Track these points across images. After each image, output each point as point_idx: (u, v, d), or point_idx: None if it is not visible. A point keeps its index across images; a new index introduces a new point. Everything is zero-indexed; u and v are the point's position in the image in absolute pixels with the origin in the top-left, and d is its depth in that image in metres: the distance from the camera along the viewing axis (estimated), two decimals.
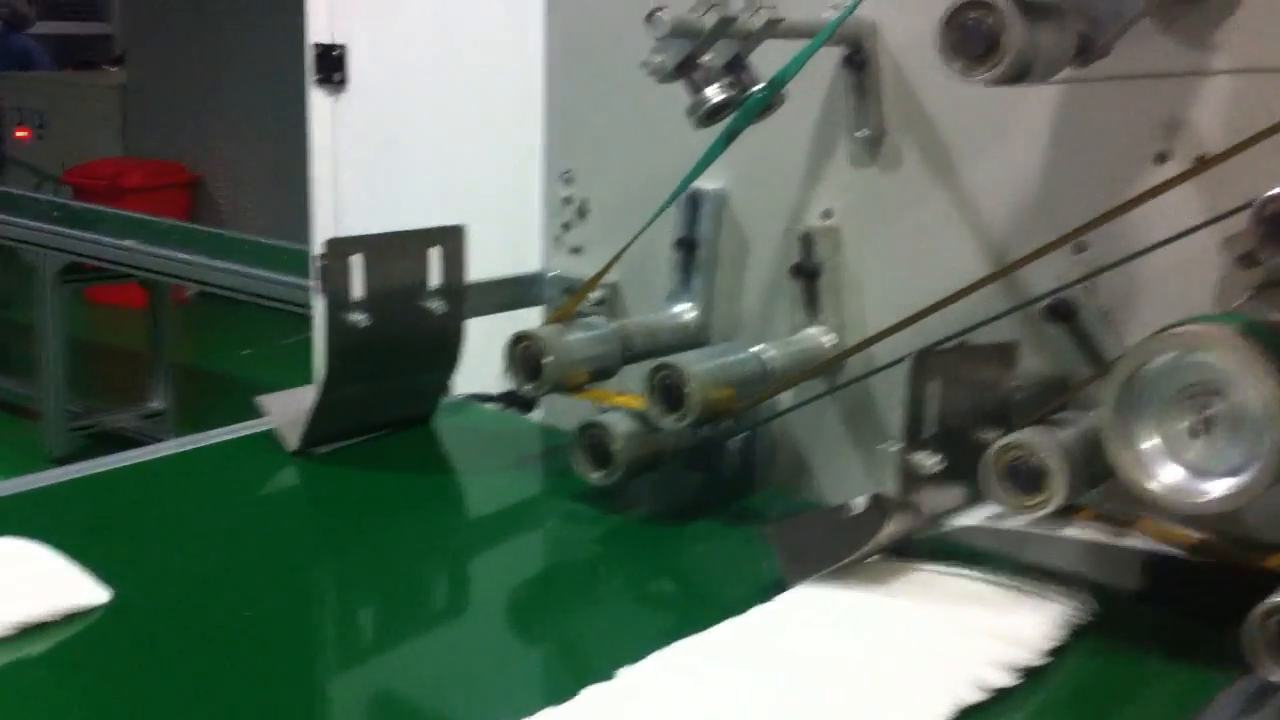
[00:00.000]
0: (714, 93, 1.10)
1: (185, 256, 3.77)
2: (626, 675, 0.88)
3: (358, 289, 1.30)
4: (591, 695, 0.86)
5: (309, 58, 1.68)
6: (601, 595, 1.18)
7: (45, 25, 8.47)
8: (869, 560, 1.06)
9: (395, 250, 1.33)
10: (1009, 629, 0.97)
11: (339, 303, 1.30)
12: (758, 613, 0.99)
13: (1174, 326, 0.90)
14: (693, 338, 1.34)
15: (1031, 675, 0.94)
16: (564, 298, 1.41)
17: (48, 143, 6.83)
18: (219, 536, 1.18)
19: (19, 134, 6.97)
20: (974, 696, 0.88)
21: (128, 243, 3.88)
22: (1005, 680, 0.91)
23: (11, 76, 7.25)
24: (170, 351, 4.42)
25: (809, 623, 0.98)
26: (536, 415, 1.53)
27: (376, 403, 1.38)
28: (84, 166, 6.25)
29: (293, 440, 1.32)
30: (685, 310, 1.36)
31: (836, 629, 0.97)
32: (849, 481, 1.30)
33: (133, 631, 0.98)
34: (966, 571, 1.06)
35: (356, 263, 1.30)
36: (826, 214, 1.28)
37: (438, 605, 1.12)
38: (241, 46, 6.16)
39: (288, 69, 5.81)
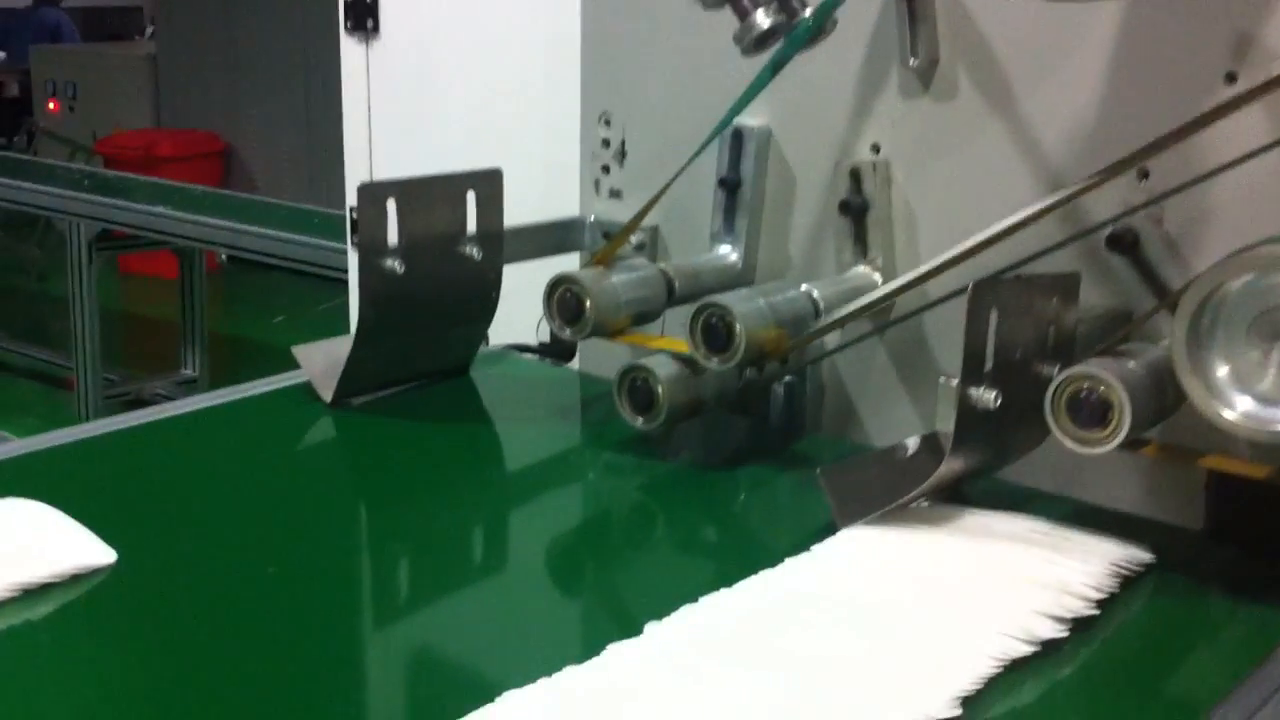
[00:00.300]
0: (762, 18, 1.05)
1: (217, 222, 3.75)
2: (653, 631, 0.85)
3: (392, 235, 1.27)
4: (616, 651, 0.83)
5: (341, 6, 1.64)
6: (646, 545, 1.15)
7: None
8: (916, 505, 1.02)
9: (430, 195, 1.30)
10: (1058, 577, 0.93)
11: (373, 249, 1.26)
12: (796, 561, 0.95)
13: (1252, 247, 0.86)
14: (736, 280, 1.29)
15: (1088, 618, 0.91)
16: (603, 243, 1.37)
17: (79, 115, 6.84)
18: (250, 490, 1.15)
19: (50, 107, 6.98)
20: (1021, 650, 0.85)
21: (159, 209, 3.87)
22: (1054, 631, 0.87)
23: (43, 50, 7.27)
24: (203, 319, 4.42)
25: (850, 571, 0.94)
26: (574, 364, 1.49)
27: (413, 353, 1.35)
28: (116, 137, 6.26)
29: (328, 392, 1.29)
30: (728, 252, 1.32)
31: (878, 577, 0.93)
32: (899, 426, 1.26)
33: (143, 590, 0.95)
34: (1015, 518, 1.02)
35: (390, 208, 1.26)
36: (875, 148, 1.24)
37: (476, 558, 1.09)
38: (272, 14, 6.14)
39: (318, 36, 5.82)
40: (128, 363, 4.80)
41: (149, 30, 8.01)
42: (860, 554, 0.97)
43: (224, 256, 5.41)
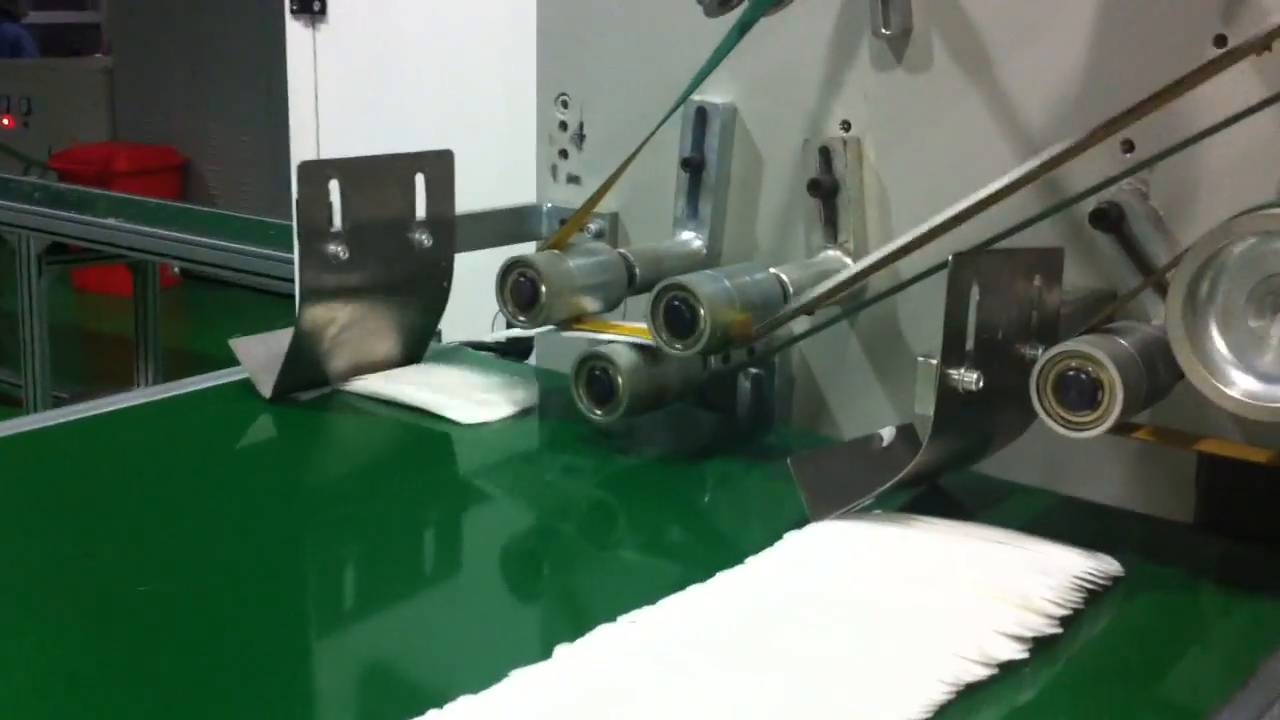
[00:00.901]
0: None
1: (171, 234, 3.66)
2: (605, 630, 0.78)
3: (336, 218, 1.20)
4: (562, 654, 0.76)
5: None
6: (608, 543, 1.08)
7: (35, 15, 8.38)
8: (872, 511, 0.95)
9: (377, 176, 1.23)
10: (1019, 592, 0.83)
11: (314, 233, 1.19)
12: (746, 566, 0.88)
13: (1253, 211, 0.80)
14: (700, 266, 1.22)
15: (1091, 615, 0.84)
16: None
17: (34, 129, 6.73)
18: (181, 487, 1.08)
19: (4, 122, 6.86)
20: (977, 673, 0.76)
21: (110, 221, 3.77)
22: (1013, 652, 0.78)
23: None
24: (157, 335, 4.31)
25: (793, 585, 0.85)
26: (531, 359, 1.42)
27: (358, 346, 1.27)
28: (72, 151, 6.15)
29: (267, 387, 1.22)
30: (692, 238, 1.26)
31: (823, 596, 0.84)
32: (871, 417, 1.19)
33: (64, 589, 0.88)
34: (973, 527, 0.94)
35: (334, 189, 1.19)
36: (846, 125, 1.17)
37: (426, 559, 1.01)
38: (230, 28, 6.06)
39: (277, 50, 5.75)
40: (80, 380, 4.69)
41: (107, 45, 7.91)
42: (801, 568, 0.88)
43: (176, 270, 5.30)
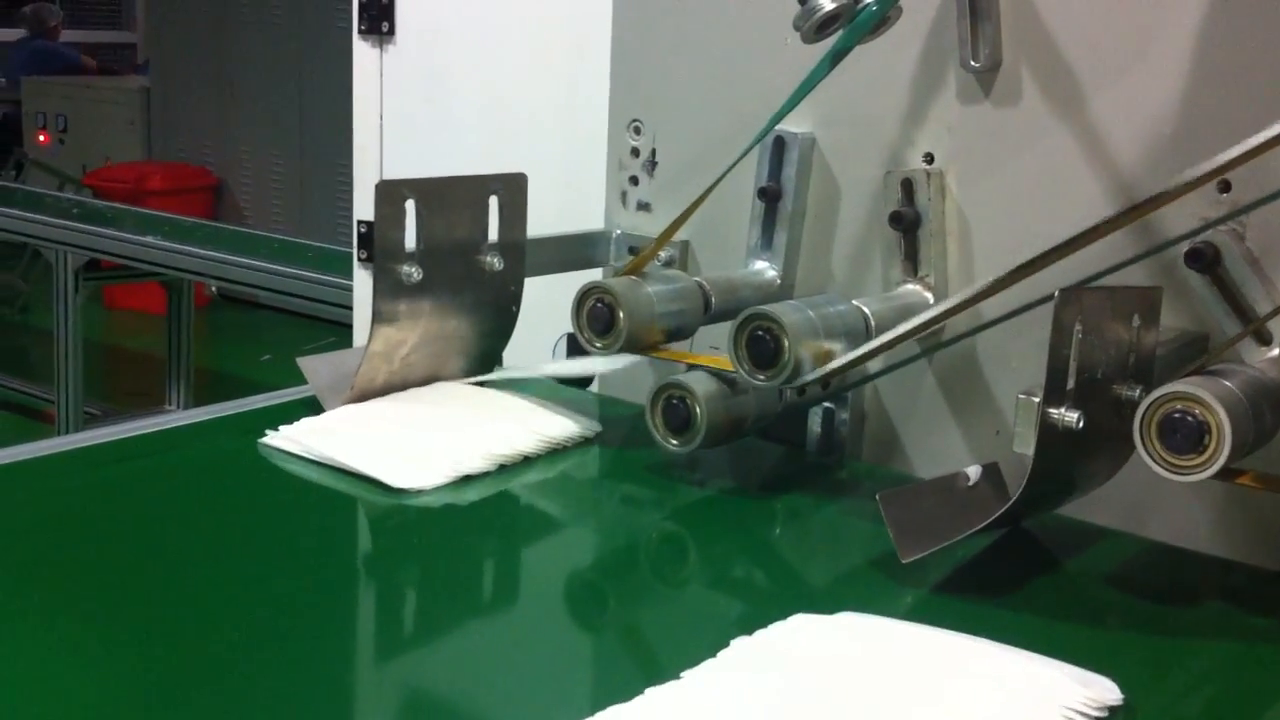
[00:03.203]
0: (827, 0, 0.97)
1: (207, 253, 3.66)
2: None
3: (410, 239, 1.19)
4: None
5: (355, 7, 1.56)
6: (677, 580, 1.05)
7: (70, 34, 8.44)
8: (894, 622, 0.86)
9: (451, 197, 1.22)
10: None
11: (389, 253, 1.18)
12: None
13: None
14: (775, 297, 1.21)
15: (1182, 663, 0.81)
16: (628, 258, 1.29)
17: (70, 147, 6.77)
18: (240, 510, 1.06)
19: (40, 138, 6.90)
20: None
21: (148, 238, 3.78)
22: None
23: (33, 81, 7.19)
24: (189, 354, 4.32)
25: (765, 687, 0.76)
26: (593, 387, 1.41)
27: (427, 368, 1.26)
28: (106, 170, 6.19)
29: (335, 406, 1.20)
30: (765, 268, 1.24)
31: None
32: (943, 455, 1.18)
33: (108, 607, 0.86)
34: (962, 639, 0.83)
35: (409, 209, 1.18)
36: (929, 157, 1.16)
37: (489, 592, 0.98)
38: (264, 51, 6.09)
39: (313, 71, 5.77)
40: (110, 397, 4.69)
41: (142, 63, 7.95)
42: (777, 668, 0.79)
43: (213, 290, 5.32)
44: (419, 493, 1.04)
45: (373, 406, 1.19)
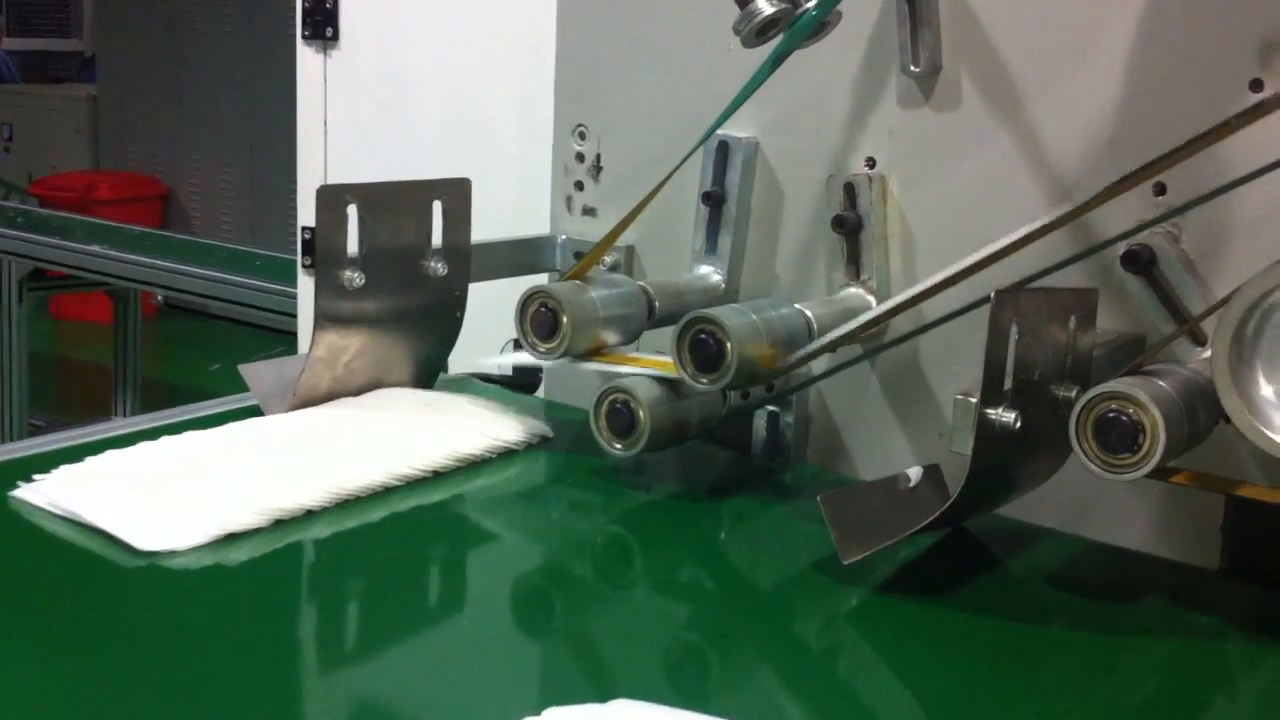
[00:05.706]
0: (764, 5, 0.98)
1: (154, 262, 3.62)
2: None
3: (352, 243, 1.18)
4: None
5: (299, 12, 1.55)
6: (622, 583, 1.05)
7: (15, 41, 8.34)
8: None
9: (395, 202, 1.21)
10: None
11: (331, 258, 1.17)
12: None
13: None
14: (719, 300, 1.21)
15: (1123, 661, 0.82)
16: (574, 264, 1.29)
17: (15, 155, 6.69)
18: None
19: None
20: None
21: (94, 247, 3.74)
22: None
23: None
24: (137, 364, 4.27)
25: None
26: (539, 392, 1.40)
27: (370, 374, 1.25)
28: (53, 178, 6.12)
29: (277, 412, 1.19)
30: (710, 272, 1.24)
31: None
32: (888, 458, 1.18)
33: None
34: None
35: (351, 214, 1.17)
36: (870, 161, 1.16)
37: (432, 600, 0.97)
38: (214, 59, 6.05)
39: (260, 81, 5.73)
40: (57, 408, 4.64)
41: (86, 71, 7.87)
42: None
43: (159, 299, 5.26)
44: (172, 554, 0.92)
45: (312, 414, 1.18)
